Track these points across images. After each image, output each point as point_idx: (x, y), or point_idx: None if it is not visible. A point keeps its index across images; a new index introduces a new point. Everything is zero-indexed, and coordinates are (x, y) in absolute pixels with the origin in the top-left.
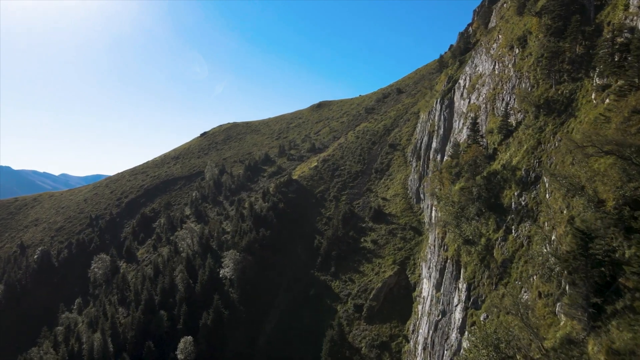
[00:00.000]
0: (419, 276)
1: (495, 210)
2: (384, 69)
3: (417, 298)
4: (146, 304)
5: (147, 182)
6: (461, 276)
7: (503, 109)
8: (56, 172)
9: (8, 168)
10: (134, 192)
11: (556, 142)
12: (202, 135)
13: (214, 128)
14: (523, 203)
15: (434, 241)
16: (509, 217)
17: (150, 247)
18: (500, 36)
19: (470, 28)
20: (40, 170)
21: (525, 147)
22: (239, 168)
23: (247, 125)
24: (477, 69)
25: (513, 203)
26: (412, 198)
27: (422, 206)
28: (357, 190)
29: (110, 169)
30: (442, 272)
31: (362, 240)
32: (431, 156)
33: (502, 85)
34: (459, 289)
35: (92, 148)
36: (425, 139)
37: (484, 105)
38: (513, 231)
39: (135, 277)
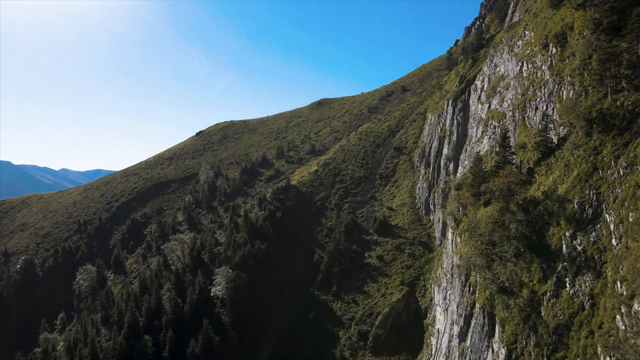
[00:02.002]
0: (431, 301)
1: (538, 252)
2: (385, 65)
3: (430, 327)
4: (129, 326)
5: (140, 185)
6: (496, 335)
7: (538, 120)
8: (56, 167)
9: (8, 163)
10: (125, 196)
11: (620, 170)
12: (197, 134)
13: (210, 127)
14: (579, 248)
15: (451, 269)
16: (560, 265)
17: (140, 257)
18: (527, 32)
19: (478, 22)
20: (41, 165)
21: (575, 172)
22: (235, 171)
23: (245, 124)
24: (497, 69)
25: (564, 246)
26: (420, 209)
27: (432, 218)
28: (361, 198)
29: (110, 164)
30: (467, 320)
31: (366, 255)
32: (442, 164)
33: (535, 90)
34: (493, 351)
35: (93, 143)
36: (435, 144)
37: (510, 113)
38: (567, 285)
39: (121, 293)
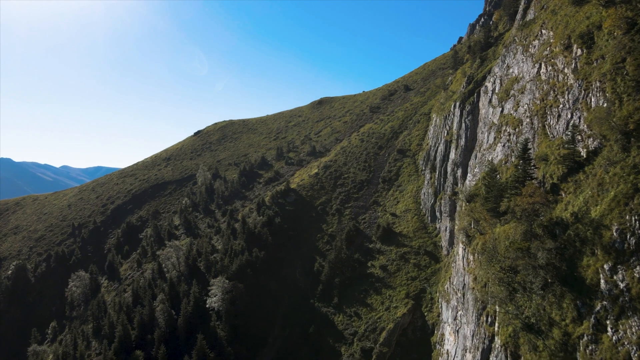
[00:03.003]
0: (438, 316)
1: (571, 285)
2: (386, 62)
3: (437, 346)
4: (120, 340)
5: (136, 187)
6: None
7: (562, 130)
8: (57, 164)
9: (9, 160)
10: (120, 198)
11: None
12: (196, 134)
13: (209, 126)
14: (621, 285)
15: (463, 288)
16: (599, 304)
17: (135, 263)
18: (544, 31)
19: (483, 19)
20: (41, 162)
21: (612, 193)
22: (233, 172)
23: (244, 124)
24: (510, 70)
25: (602, 281)
26: (426, 215)
27: (438, 226)
28: (363, 202)
29: (111, 161)
30: (485, 354)
31: (369, 264)
32: (449, 169)
33: (557, 96)
34: None
35: (93, 140)
36: (441, 147)
37: (527, 120)
38: (609, 329)
39: (113, 302)
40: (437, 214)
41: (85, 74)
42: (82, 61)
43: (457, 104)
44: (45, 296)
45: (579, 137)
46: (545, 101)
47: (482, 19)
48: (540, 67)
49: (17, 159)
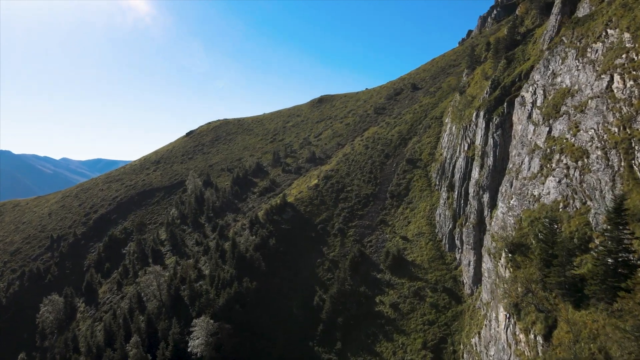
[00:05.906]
0: None
1: None
2: (389, 55)
3: None
4: None
5: (121, 193)
6: None
7: None
8: (57, 156)
9: (8, 152)
10: (105, 206)
11: None
12: (187, 134)
13: (202, 126)
14: None
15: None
16: None
17: (115, 284)
18: (611, 31)
19: (495, 11)
20: (41, 154)
21: None
22: (226, 179)
23: (239, 123)
24: (557, 79)
25: None
26: (442, 242)
27: (458, 257)
28: (369, 221)
29: (110, 154)
30: None
31: (377, 300)
32: (471, 190)
33: None
34: None
35: (93, 132)
36: (460, 163)
37: (599, 153)
38: None
39: (85, 337)
40: (457, 242)
41: (85, 67)
42: (83, 55)
43: (481, 113)
44: (17, 320)
45: None
46: (628, 130)
47: (495, 11)
48: (611, 80)
49: (16, 151)
